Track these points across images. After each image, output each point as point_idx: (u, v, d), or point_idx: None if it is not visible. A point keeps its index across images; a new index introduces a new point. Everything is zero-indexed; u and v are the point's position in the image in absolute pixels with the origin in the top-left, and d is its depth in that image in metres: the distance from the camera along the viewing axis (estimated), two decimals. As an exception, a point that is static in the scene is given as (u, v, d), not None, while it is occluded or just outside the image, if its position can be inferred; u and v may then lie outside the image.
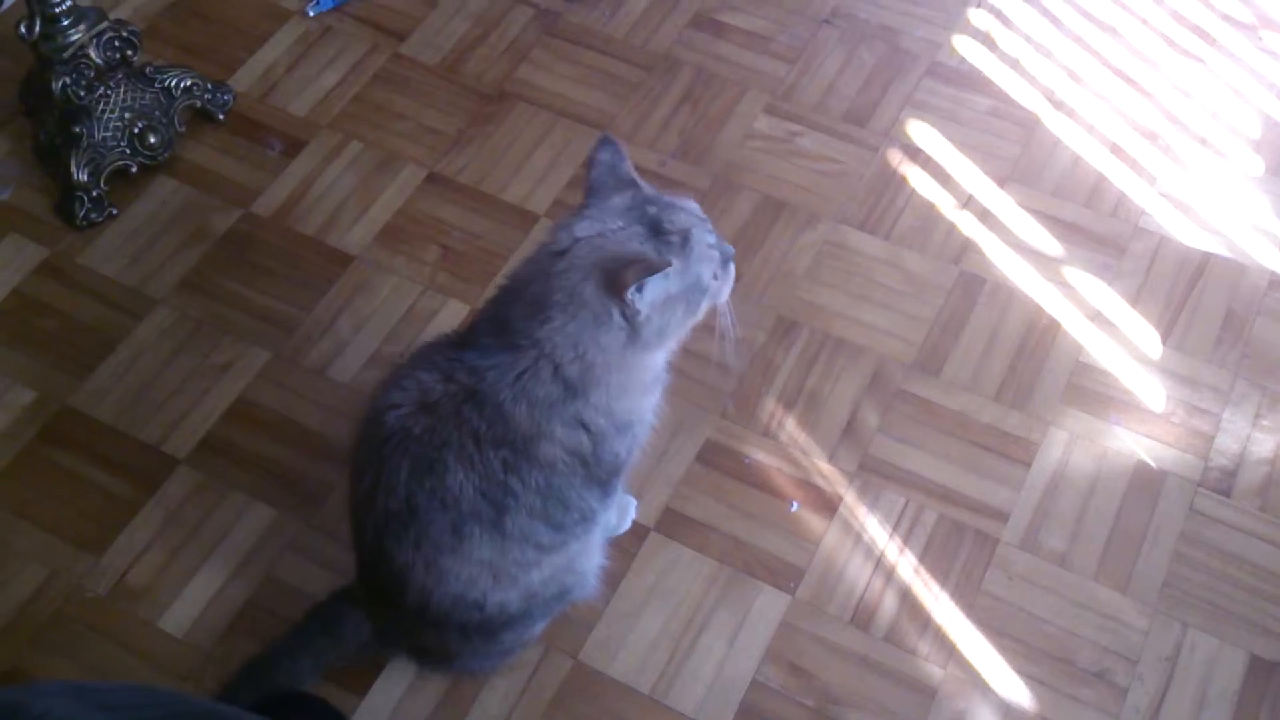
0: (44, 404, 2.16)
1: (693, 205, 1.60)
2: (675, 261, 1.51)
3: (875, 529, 2.01)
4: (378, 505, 1.61)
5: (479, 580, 1.63)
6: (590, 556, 1.79)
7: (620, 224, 1.54)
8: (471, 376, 1.56)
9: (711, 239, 1.57)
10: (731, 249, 1.62)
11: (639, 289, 1.48)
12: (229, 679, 1.77)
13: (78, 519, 2.04)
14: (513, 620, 1.71)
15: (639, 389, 1.61)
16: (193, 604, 1.95)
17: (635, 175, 1.60)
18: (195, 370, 2.20)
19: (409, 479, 1.58)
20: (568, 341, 1.52)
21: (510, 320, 1.56)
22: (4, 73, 2.57)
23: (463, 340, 1.64)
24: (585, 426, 1.58)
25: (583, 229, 1.54)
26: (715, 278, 1.58)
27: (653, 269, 1.47)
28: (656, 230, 1.53)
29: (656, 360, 1.62)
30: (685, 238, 1.53)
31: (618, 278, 1.47)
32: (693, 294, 1.55)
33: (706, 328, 1.68)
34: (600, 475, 1.63)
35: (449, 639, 1.73)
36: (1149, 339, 2.21)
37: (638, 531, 2.00)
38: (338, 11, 2.71)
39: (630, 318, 1.50)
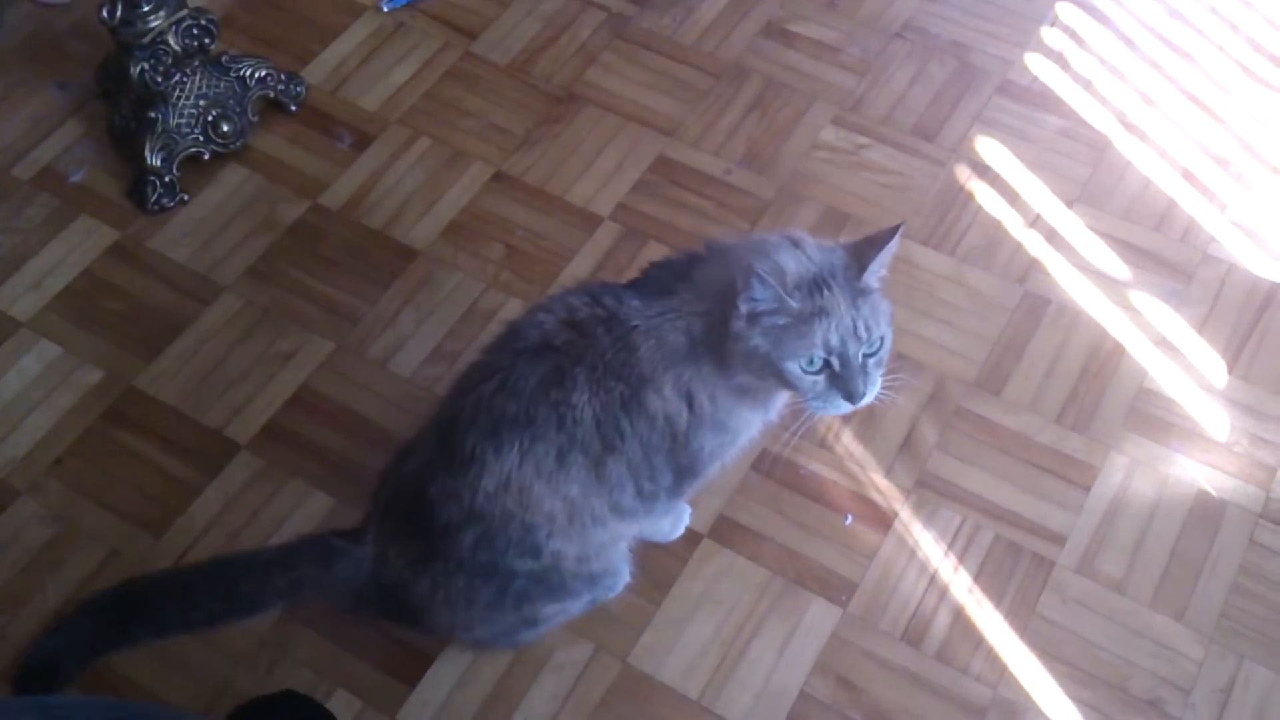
0: (110, 384, 2.18)
1: (876, 310, 1.55)
2: (794, 304, 1.49)
3: (930, 546, 2.00)
4: (494, 408, 1.59)
5: (556, 517, 1.62)
6: (624, 547, 1.80)
7: (809, 257, 1.54)
8: (617, 303, 1.59)
9: (836, 339, 1.51)
10: (862, 392, 1.54)
11: (750, 297, 1.49)
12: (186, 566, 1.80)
13: (139, 499, 2.06)
14: (546, 586, 1.70)
15: (742, 392, 1.61)
16: (249, 589, 1.96)
17: (871, 266, 1.54)
18: (260, 357, 2.22)
19: (537, 387, 1.58)
20: (705, 307, 1.55)
21: (682, 271, 1.60)
22: (82, 56, 2.61)
23: (626, 282, 1.67)
24: (691, 399, 1.59)
25: (796, 235, 1.58)
26: (812, 373, 1.53)
27: (761, 281, 1.47)
28: (814, 284, 1.51)
29: (759, 381, 1.59)
30: (821, 310, 1.50)
31: (743, 275, 1.47)
32: (783, 354, 1.52)
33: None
34: (683, 461, 1.64)
35: (475, 593, 1.69)
36: (1214, 367, 2.19)
37: (691, 537, 2.01)
38: (411, 8, 2.73)
39: (735, 317, 1.51)
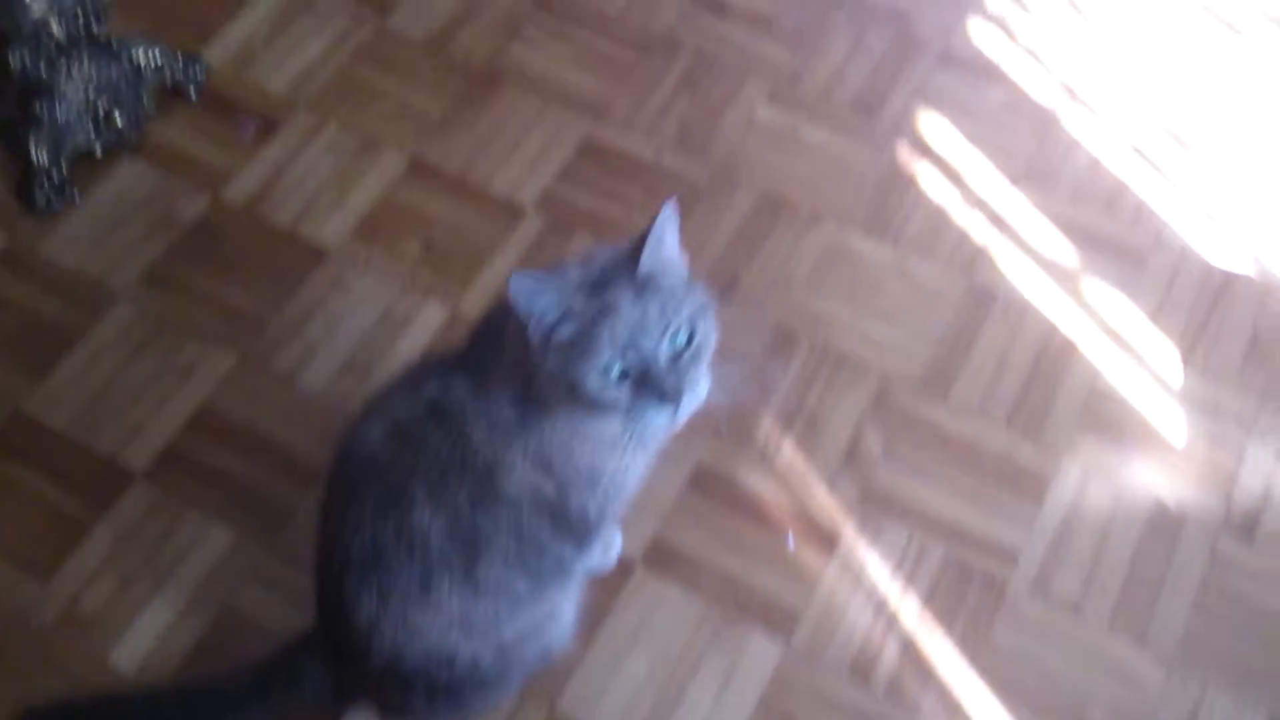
0: (-5, 408, 2.03)
1: (672, 300, 1.36)
2: (576, 306, 1.33)
3: (877, 567, 1.90)
4: (341, 548, 1.49)
5: (449, 635, 1.52)
6: (570, 605, 1.67)
7: (594, 262, 1.38)
8: (440, 390, 1.45)
9: (624, 335, 1.33)
10: (675, 390, 1.35)
11: (532, 314, 1.33)
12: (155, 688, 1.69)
13: (26, 539, 1.92)
14: (485, 680, 1.59)
15: (597, 441, 1.44)
16: (145, 636, 1.84)
17: (645, 253, 1.36)
18: (156, 374, 2.07)
19: (374, 517, 1.46)
20: (518, 358, 1.40)
21: (495, 334, 1.45)
22: (-39, 42, 2.42)
23: (445, 359, 1.53)
24: (546, 467, 1.45)
25: (587, 249, 1.43)
26: (615, 384, 1.35)
27: (534, 284, 1.32)
28: (595, 284, 1.35)
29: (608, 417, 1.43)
30: (603, 309, 1.33)
31: (510, 284, 1.32)
32: (578, 367, 1.34)
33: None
34: (571, 527, 1.51)
35: (414, 700, 1.60)
36: (1169, 362, 2.08)
37: (623, 566, 1.89)
38: (320, -21, 2.56)
39: (533, 350, 1.36)
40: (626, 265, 1.36)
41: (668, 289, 1.36)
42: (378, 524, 1.46)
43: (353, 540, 1.48)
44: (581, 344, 1.33)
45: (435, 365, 1.53)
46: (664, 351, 1.35)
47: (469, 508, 1.45)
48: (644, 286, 1.35)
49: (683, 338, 1.36)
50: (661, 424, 1.38)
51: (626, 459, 1.49)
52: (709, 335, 1.39)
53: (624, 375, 1.35)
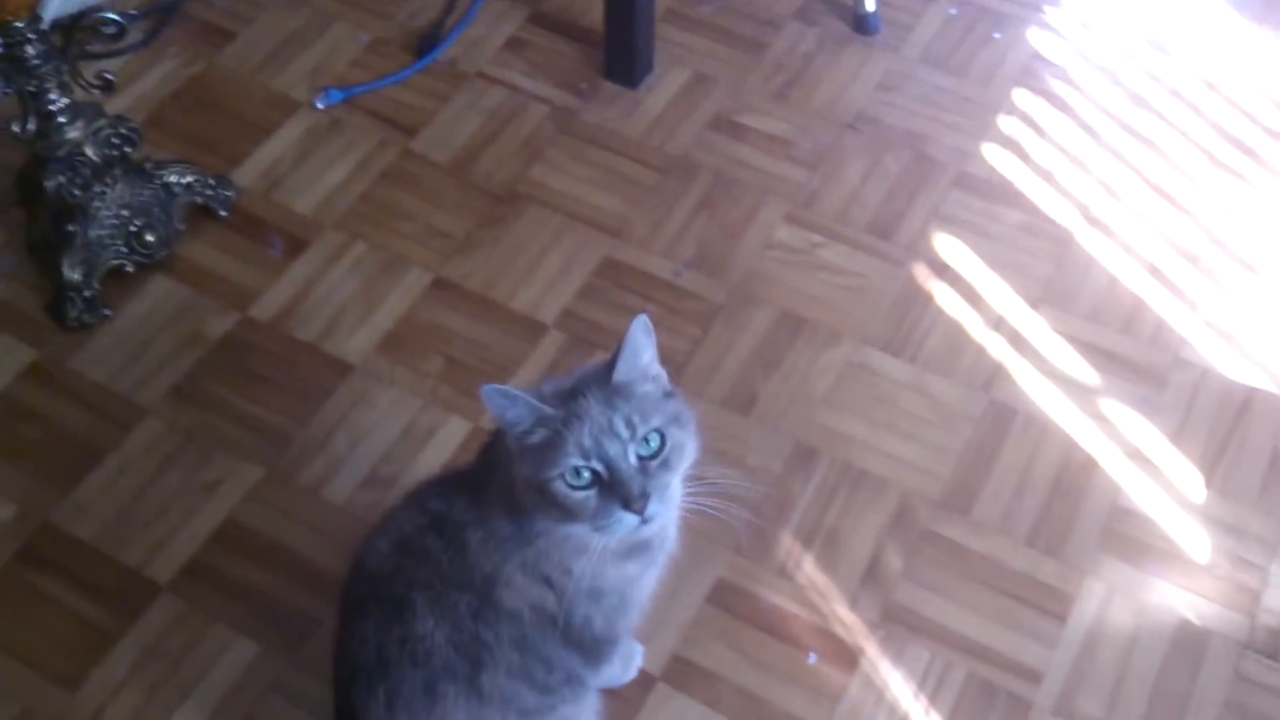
0: (24, 520, 2.05)
1: (644, 407, 1.38)
2: (548, 410, 1.35)
3: (899, 687, 1.89)
4: (350, 658, 1.51)
5: None
6: (587, 718, 1.67)
7: (572, 375, 1.42)
8: (442, 503, 1.48)
9: (589, 440, 1.33)
10: (640, 496, 1.35)
11: (507, 421, 1.36)
12: None
13: (53, 649, 1.92)
14: None
15: (595, 552, 1.42)
16: (169, 751, 1.83)
17: (619, 362, 1.38)
18: (183, 487, 2.09)
19: (378, 627, 1.47)
20: (508, 471, 1.42)
21: (498, 449, 1.47)
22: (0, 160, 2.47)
23: (454, 474, 1.55)
24: (546, 580, 1.46)
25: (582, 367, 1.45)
26: (582, 488, 1.36)
27: (503, 396, 1.34)
28: (569, 394, 1.38)
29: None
30: (572, 415, 1.35)
31: (482, 394, 1.34)
32: (544, 473, 1.35)
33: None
34: (577, 640, 1.51)
35: None
36: (1191, 481, 2.08)
37: (643, 681, 1.88)
38: (347, 103, 2.61)
39: (511, 457, 1.39)
40: (600, 376, 1.39)
41: (640, 396, 1.38)
42: (382, 633, 1.47)
43: (360, 650, 1.49)
44: (550, 447, 1.35)
45: (442, 481, 1.56)
46: (630, 456, 1.36)
47: (470, 619, 1.46)
48: (615, 394, 1.37)
49: (654, 444, 1.37)
50: (629, 528, 1.37)
51: (629, 570, 1.50)
52: (683, 443, 1.40)
53: (592, 480, 1.36)
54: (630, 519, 1.36)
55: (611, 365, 1.38)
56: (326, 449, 2.13)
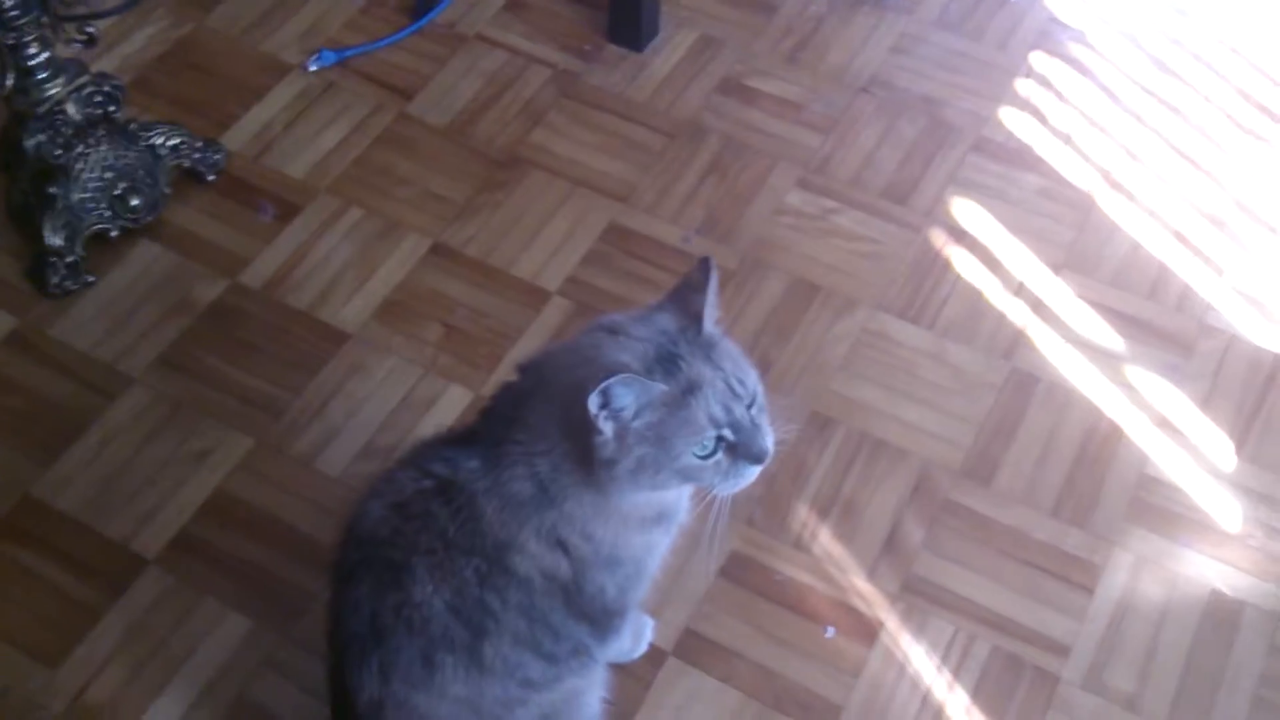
0: (4, 494, 1.96)
1: (733, 357, 1.36)
2: (662, 388, 1.29)
3: (921, 660, 1.80)
4: (343, 628, 1.43)
5: (457, 718, 1.43)
6: (594, 693, 1.58)
7: (637, 337, 1.33)
8: (448, 468, 1.39)
9: (719, 409, 1.30)
10: (766, 449, 1.34)
11: (605, 403, 1.27)
12: None
13: (34, 626, 1.83)
14: None
15: (622, 519, 1.38)
16: (156, 728, 1.74)
17: (706, 313, 1.35)
18: (170, 458, 2.00)
19: (372, 593, 1.39)
20: (547, 445, 1.35)
21: (510, 412, 1.39)
22: (-22, 124, 2.38)
23: (455, 436, 1.46)
24: (563, 546, 1.38)
25: (609, 321, 1.37)
26: (710, 456, 1.33)
27: (624, 385, 1.26)
28: (664, 362, 1.31)
29: (646, 496, 1.39)
30: (690, 385, 1.30)
31: (585, 382, 1.26)
32: (673, 451, 1.31)
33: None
34: (586, 610, 1.43)
35: None
36: (1221, 449, 2.00)
37: (654, 656, 1.80)
38: (341, 66, 2.53)
39: (600, 445, 1.30)
40: (687, 334, 1.33)
41: (724, 346, 1.34)
42: (377, 601, 1.39)
43: (353, 617, 1.41)
44: (676, 424, 1.30)
45: (441, 443, 1.47)
46: (750, 411, 1.34)
47: (476, 584, 1.38)
48: (710, 349, 1.33)
49: (754, 392, 1.35)
50: (752, 479, 1.36)
51: (653, 538, 1.44)
52: (759, 383, 1.38)
53: (717, 444, 1.32)
54: (755, 470, 1.36)
55: (698, 318, 1.34)
56: (321, 419, 2.05)
